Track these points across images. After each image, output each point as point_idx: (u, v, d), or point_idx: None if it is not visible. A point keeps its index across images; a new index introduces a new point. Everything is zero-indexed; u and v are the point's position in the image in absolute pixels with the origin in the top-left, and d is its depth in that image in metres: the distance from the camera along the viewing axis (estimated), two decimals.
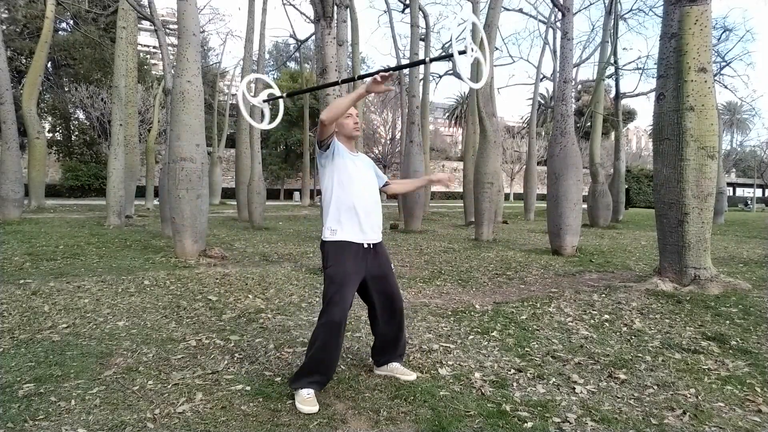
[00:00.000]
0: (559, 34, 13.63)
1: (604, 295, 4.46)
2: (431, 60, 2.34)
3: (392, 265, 2.52)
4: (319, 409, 2.22)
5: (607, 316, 3.85)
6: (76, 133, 26.71)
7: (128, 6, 11.50)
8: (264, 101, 2.43)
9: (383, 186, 2.61)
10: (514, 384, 2.58)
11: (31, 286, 4.56)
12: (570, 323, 3.70)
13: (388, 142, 37.64)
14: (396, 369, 2.60)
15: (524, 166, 20.92)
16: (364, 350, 3.05)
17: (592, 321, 3.76)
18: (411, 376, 2.57)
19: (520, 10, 17.80)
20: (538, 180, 22.79)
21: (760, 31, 69.44)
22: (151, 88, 23.32)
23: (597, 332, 3.50)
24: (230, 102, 30.79)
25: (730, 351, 3.09)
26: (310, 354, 2.30)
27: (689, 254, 4.61)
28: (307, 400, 2.23)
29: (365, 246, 2.35)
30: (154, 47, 35.24)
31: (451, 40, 1.98)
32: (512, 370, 2.77)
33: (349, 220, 2.32)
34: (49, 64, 23.24)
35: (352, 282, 2.29)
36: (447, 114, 55.25)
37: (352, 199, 2.32)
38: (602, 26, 14.59)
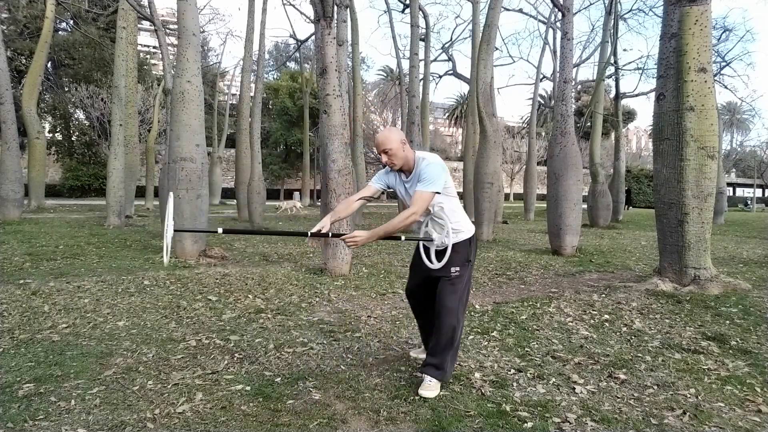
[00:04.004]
0: (559, 34, 13.67)
1: (604, 295, 4.46)
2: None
3: (453, 271, 2.45)
4: (319, 409, 2.22)
5: (607, 316, 3.85)
6: (76, 133, 26.68)
7: (128, 6, 11.50)
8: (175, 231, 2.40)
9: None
10: (514, 384, 2.58)
11: (31, 286, 4.56)
12: (570, 323, 3.70)
13: None
14: (421, 380, 2.47)
15: (524, 166, 20.93)
16: (364, 350, 3.05)
17: (592, 321, 3.76)
18: (428, 393, 2.39)
19: (520, 10, 17.83)
20: (538, 180, 22.79)
21: (760, 31, 69.45)
22: (151, 88, 23.31)
23: (597, 332, 3.50)
24: (230, 102, 30.80)
25: (730, 351, 3.09)
26: None
27: (689, 254, 4.61)
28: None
29: (420, 248, 2.65)
30: (154, 47, 35.22)
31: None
32: (512, 370, 2.77)
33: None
34: (49, 64, 23.21)
35: (413, 271, 2.77)
36: (447, 114, 55.19)
37: None
38: (602, 26, 14.59)
